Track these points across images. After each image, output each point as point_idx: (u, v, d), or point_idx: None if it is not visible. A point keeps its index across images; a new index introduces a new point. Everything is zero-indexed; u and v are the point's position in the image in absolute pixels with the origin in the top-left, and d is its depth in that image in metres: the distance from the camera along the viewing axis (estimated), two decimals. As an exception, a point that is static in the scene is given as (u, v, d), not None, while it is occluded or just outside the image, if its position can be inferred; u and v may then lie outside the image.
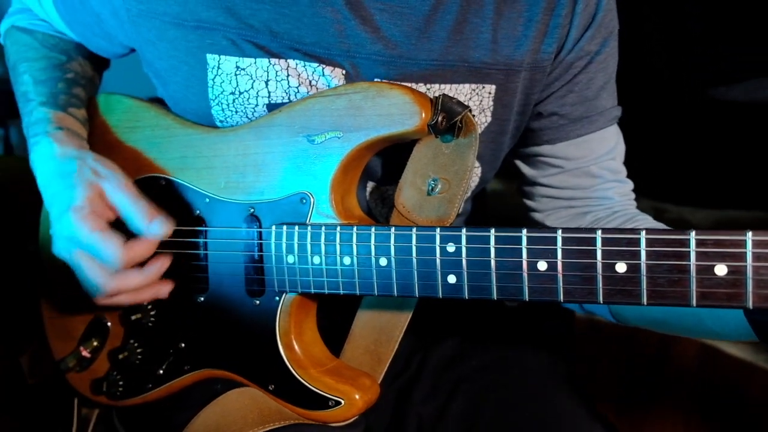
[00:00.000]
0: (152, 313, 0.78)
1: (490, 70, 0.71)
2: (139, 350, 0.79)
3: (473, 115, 0.66)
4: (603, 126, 0.78)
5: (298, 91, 0.70)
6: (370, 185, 0.79)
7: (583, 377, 1.81)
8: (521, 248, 0.56)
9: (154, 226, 0.68)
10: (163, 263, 0.71)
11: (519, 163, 0.85)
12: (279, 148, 0.69)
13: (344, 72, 0.69)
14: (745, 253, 0.48)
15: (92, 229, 0.66)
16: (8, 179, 1.09)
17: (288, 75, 0.70)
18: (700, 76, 1.87)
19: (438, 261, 0.60)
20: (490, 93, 0.73)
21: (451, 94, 0.70)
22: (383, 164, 0.76)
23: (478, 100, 0.73)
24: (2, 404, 1.07)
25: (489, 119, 0.75)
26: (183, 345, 0.77)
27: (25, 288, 1.01)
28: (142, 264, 0.70)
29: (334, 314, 0.79)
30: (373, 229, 0.63)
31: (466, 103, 0.68)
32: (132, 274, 0.69)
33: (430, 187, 0.69)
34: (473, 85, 0.72)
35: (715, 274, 0.49)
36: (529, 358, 0.83)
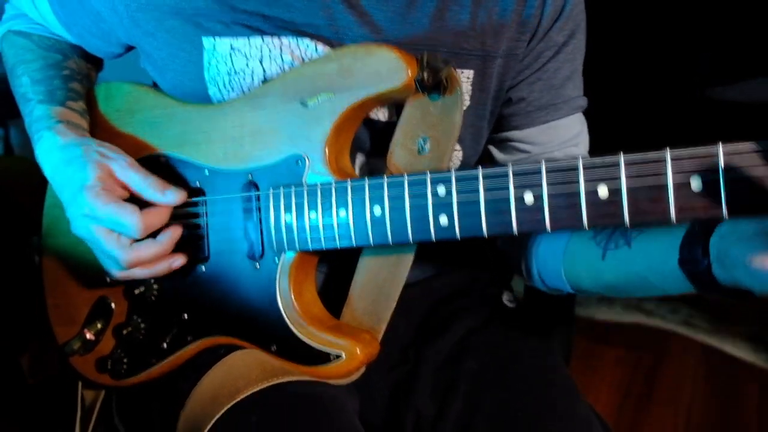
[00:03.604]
0: (155, 286, 0.80)
1: (469, 56, 0.75)
2: (142, 325, 0.81)
3: (455, 69, 0.69)
4: (568, 113, 0.81)
5: (293, 66, 0.74)
6: (359, 158, 0.81)
7: (583, 376, 1.82)
8: (508, 183, 0.58)
9: (168, 195, 0.73)
10: (175, 231, 0.74)
11: (491, 147, 0.88)
12: (274, 115, 0.72)
13: None
14: (718, 163, 0.50)
15: (107, 201, 0.70)
16: (8, 179, 1.11)
17: (281, 52, 0.73)
18: (698, 77, 1.92)
19: (430, 204, 0.62)
20: (468, 78, 0.76)
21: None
22: (371, 137, 0.79)
23: None
24: (2, 404, 1.07)
25: (468, 103, 0.78)
26: (186, 316, 0.78)
27: (25, 288, 1.02)
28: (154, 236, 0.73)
29: (333, 281, 0.81)
30: (366, 180, 0.66)
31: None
32: (148, 243, 0.72)
33: (420, 147, 0.71)
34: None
35: (691, 189, 0.51)
36: (527, 358, 0.85)
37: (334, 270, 0.82)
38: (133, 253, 0.71)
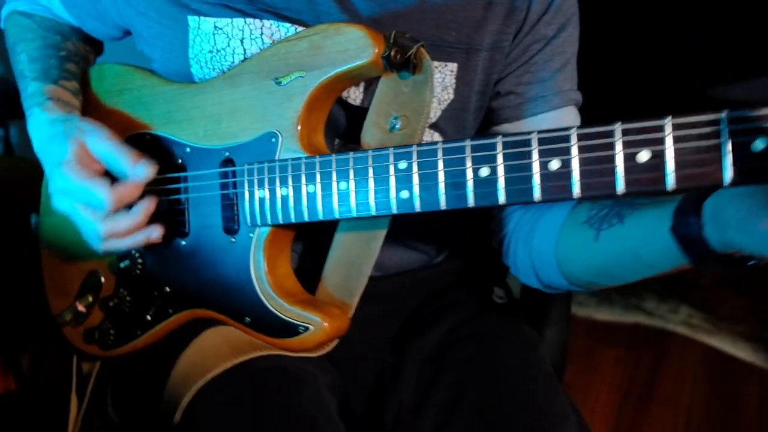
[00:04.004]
0: (139, 261, 0.83)
1: (452, 49, 0.75)
2: (128, 298, 0.84)
3: (426, 49, 0.70)
4: (559, 105, 0.80)
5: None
6: (337, 143, 0.83)
7: (583, 376, 1.82)
8: (465, 157, 0.59)
9: (139, 169, 0.73)
10: (150, 203, 0.75)
11: None
12: (250, 93, 0.74)
13: None
14: (665, 137, 0.50)
15: (80, 178, 0.72)
16: (8, 179, 1.12)
17: (262, 33, 0.75)
18: (700, 76, 1.90)
19: (392, 178, 0.63)
20: (452, 71, 0.77)
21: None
22: (348, 120, 0.80)
23: (441, 77, 0.77)
24: (2, 404, 1.08)
25: (452, 96, 0.78)
26: (168, 289, 0.81)
27: (24, 288, 1.03)
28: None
29: (309, 259, 0.83)
30: (333, 156, 0.67)
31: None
32: (121, 215, 0.74)
33: (392, 125, 0.73)
34: (436, 63, 0.75)
35: (637, 161, 0.52)
36: (510, 352, 0.85)
37: (310, 248, 0.83)
38: (107, 225, 0.73)
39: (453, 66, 0.76)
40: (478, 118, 0.83)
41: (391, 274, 0.91)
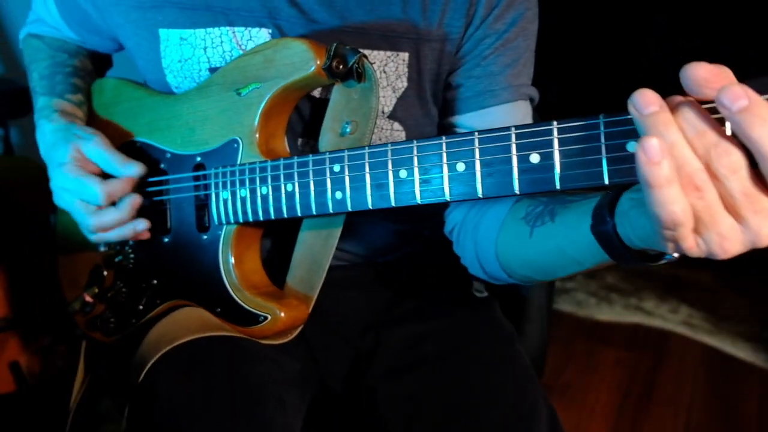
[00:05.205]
0: (131, 256, 0.92)
1: (403, 39, 0.79)
2: (123, 289, 0.93)
3: (369, 61, 0.75)
4: (508, 100, 0.81)
5: (232, 54, 0.82)
6: (300, 141, 0.88)
7: (584, 376, 1.81)
8: (387, 160, 0.64)
9: (128, 168, 0.83)
10: (135, 199, 0.84)
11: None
12: (217, 103, 0.81)
13: (269, 32, 0.80)
14: (552, 140, 0.54)
15: (75, 175, 0.82)
16: (8, 179, 1.17)
17: (222, 41, 0.82)
18: (660, 61, 1.85)
19: (328, 180, 0.69)
20: (404, 60, 0.80)
21: (369, 58, 0.77)
22: (309, 122, 0.85)
23: (394, 66, 0.81)
24: (2, 404, 1.12)
25: (405, 84, 0.82)
26: (155, 282, 0.90)
27: (23, 288, 1.09)
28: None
29: (278, 253, 0.90)
30: (281, 161, 0.73)
31: (383, 68, 0.78)
32: (109, 210, 0.84)
33: (344, 130, 0.78)
34: (388, 52, 0.80)
35: (530, 162, 0.55)
36: (486, 347, 0.88)
37: (280, 245, 0.90)
38: (97, 218, 0.83)
39: (405, 55, 0.80)
40: (437, 106, 0.86)
41: (372, 263, 0.96)
